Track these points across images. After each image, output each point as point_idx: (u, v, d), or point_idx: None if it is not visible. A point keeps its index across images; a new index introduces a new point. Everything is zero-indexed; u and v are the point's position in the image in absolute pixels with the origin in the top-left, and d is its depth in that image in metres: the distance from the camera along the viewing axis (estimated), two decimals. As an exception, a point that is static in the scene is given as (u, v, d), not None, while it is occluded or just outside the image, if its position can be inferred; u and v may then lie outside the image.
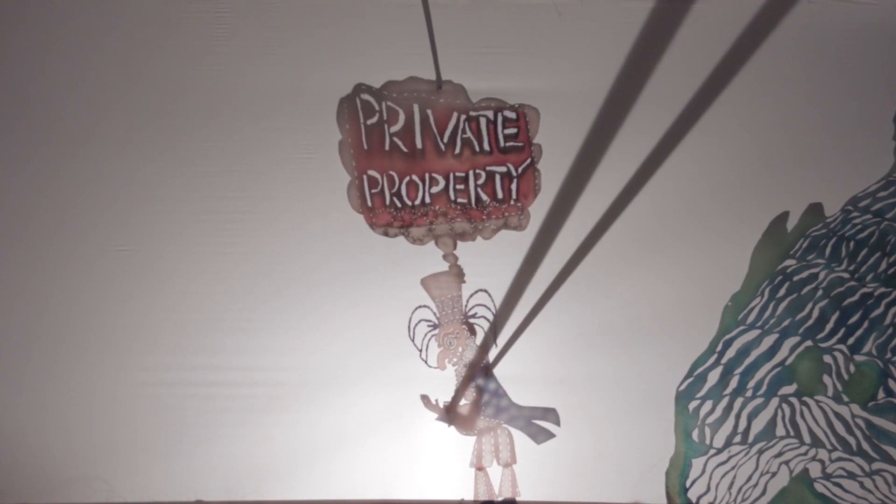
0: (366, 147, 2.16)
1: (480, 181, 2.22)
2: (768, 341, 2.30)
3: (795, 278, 2.26)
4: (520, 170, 2.20)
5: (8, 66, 2.01)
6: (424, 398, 2.40)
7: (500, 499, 2.47)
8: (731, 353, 2.31)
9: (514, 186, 2.22)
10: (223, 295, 2.25)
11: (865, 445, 2.33)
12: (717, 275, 2.24)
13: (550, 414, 2.40)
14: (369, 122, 2.14)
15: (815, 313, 2.27)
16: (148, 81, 2.03)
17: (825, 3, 1.95)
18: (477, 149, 2.19)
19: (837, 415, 2.32)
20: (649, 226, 2.19)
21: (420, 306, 2.31)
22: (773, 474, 2.41)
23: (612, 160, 2.14)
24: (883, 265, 2.24)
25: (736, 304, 2.27)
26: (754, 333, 2.29)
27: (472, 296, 2.33)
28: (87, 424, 2.41)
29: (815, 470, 2.39)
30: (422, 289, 2.29)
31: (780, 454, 2.38)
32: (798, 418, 2.34)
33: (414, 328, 2.33)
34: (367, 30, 2.05)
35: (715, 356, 2.31)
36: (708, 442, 2.38)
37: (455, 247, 2.29)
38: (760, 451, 2.38)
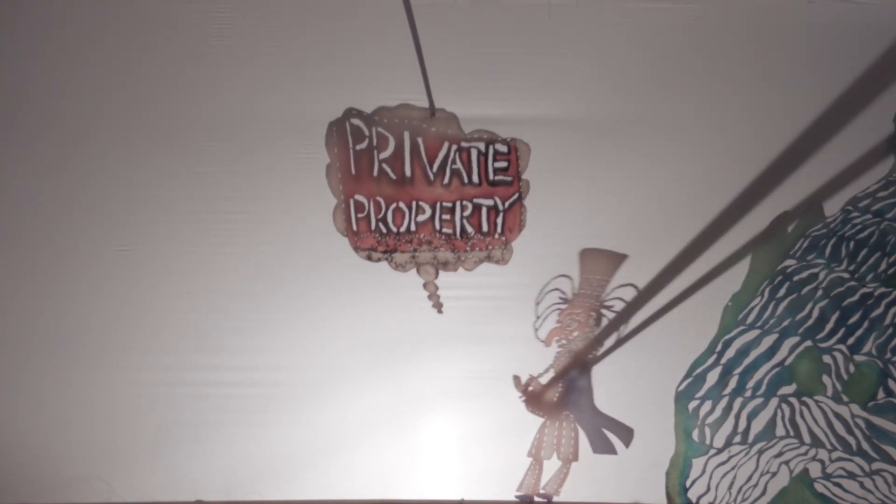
0: (354, 172, 2.16)
1: (467, 213, 2.22)
2: (768, 341, 2.30)
3: (795, 278, 2.26)
4: (507, 204, 2.21)
5: (7, 65, 2.01)
6: (515, 379, 2.36)
7: (541, 492, 2.46)
8: (730, 353, 2.31)
9: (499, 220, 2.23)
10: (222, 295, 2.25)
11: (865, 445, 2.33)
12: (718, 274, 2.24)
13: (625, 432, 2.39)
14: (358, 147, 2.14)
15: (815, 313, 2.27)
16: (147, 81, 2.03)
17: (825, 3, 1.95)
18: (466, 180, 2.18)
19: (837, 415, 2.32)
20: (649, 226, 2.19)
21: (562, 275, 2.27)
22: (774, 474, 2.41)
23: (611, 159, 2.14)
24: (883, 265, 2.24)
25: (736, 304, 2.27)
26: (754, 333, 2.29)
27: (618, 287, 2.29)
28: (87, 424, 2.41)
29: (815, 470, 2.39)
30: (422, 290, 2.28)
31: (780, 454, 2.38)
32: (798, 418, 2.34)
33: (546, 293, 2.29)
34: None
35: (714, 356, 2.31)
36: (708, 442, 2.38)
37: (437, 276, 2.29)
38: (760, 451, 2.38)
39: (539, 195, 2.20)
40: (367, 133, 2.12)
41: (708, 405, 2.36)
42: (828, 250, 2.24)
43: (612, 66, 2.03)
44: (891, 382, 2.29)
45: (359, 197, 2.19)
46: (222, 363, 2.33)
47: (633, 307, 2.29)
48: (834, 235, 2.23)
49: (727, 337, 2.30)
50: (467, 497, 2.52)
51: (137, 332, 2.30)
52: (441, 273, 2.29)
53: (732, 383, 2.34)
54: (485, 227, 2.24)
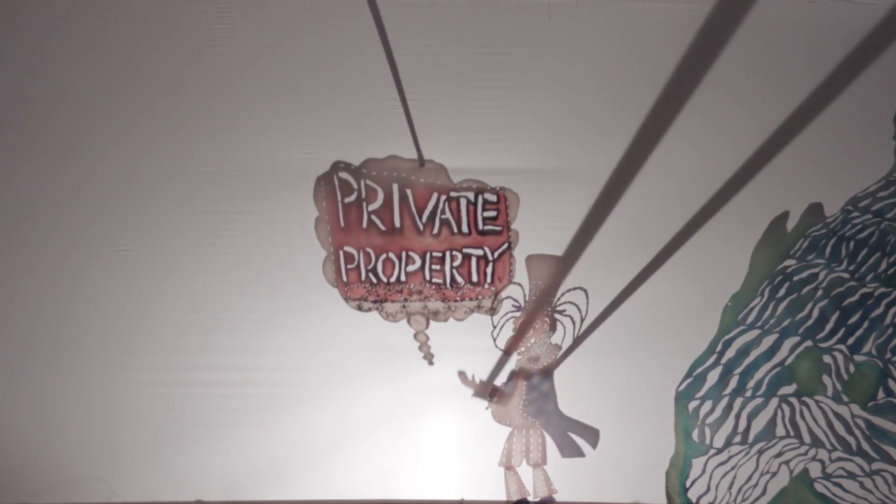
0: (343, 225, 2.17)
1: (456, 262, 2.23)
2: (768, 341, 2.30)
3: (795, 278, 2.26)
4: (496, 254, 2.22)
5: (7, 65, 2.01)
6: (461, 374, 2.36)
7: (536, 499, 2.47)
8: (730, 353, 2.31)
9: (489, 269, 2.24)
10: (222, 295, 2.25)
11: (865, 445, 2.33)
12: (717, 275, 2.24)
13: (590, 433, 2.39)
14: (347, 200, 2.14)
15: (815, 313, 2.27)
16: (147, 81, 2.03)
17: (825, 3, 1.95)
18: (455, 230, 2.19)
19: (837, 415, 2.32)
20: (650, 225, 2.19)
21: (514, 283, 2.27)
22: (774, 474, 2.41)
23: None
24: (883, 265, 2.24)
25: (736, 304, 2.27)
26: (754, 333, 2.29)
27: (568, 291, 2.29)
28: (87, 424, 2.41)
29: (815, 470, 2.39)
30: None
31: (780, 454, 2.38)
32: (798, 418, 2.34)
33: (501, 302, 2.30)
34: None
35: (715, 356, 2.31)
36: (708, 442, 2.38)
37: (427, 325, 2.30)
38: (760, 451, 2.38)
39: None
40: (355, 186, 2.13)
41: (708, 405, 2.36)
42: (828, 250, 2.24)
43: (612, 67, 2.03)
44: (891, 382, 2.29)
45: (348, 248, 2.20)
46: (222, 363, 2.33)
47: (608, 311, 2.29)
48: (834, 235, 2.23)
49: (727, 337, 2.30)
50: (467, 497, 2.52)
51: (137, 332, 2.30)
52: (432, 322, 2.31)
53: (733, 383, 2.34)
54: (475, 277, 2.25)
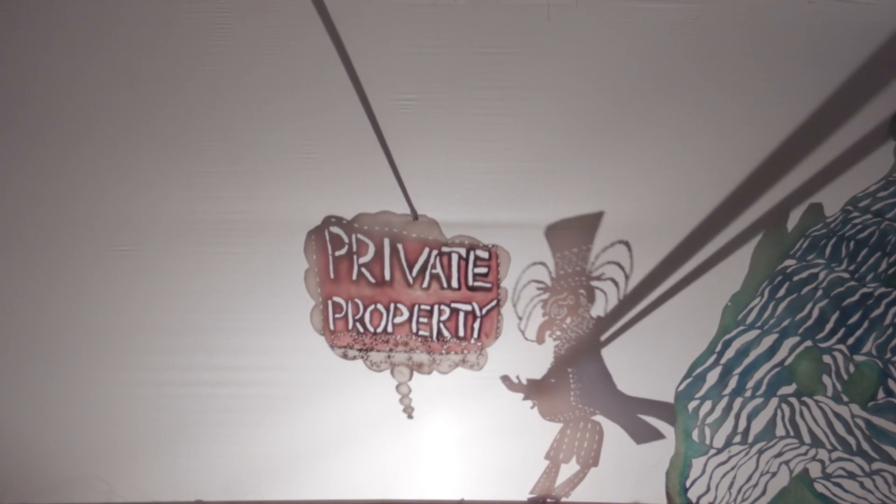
0: (332, 276, 2.19)
1: (444, 317, 2.24)
2: (768, 341, 2.30)
3: (795, 278, 2.26)
4: (484, 310, 2.22)
5: (7, 64, 2.01)
6: (505, 378, 2.27)
7: (553, 495, 2.42)
8: (730, 353, 2.31)
9: (476, 325, 2.25)
10: (223, 295, 2.25)
11: (865, 445, 2.33)
12: (717, 275, 2.24)
13: (665, 410, 2.21)
14: (338, 253, 2.16)
15: (815, 313, 2.27)
16: (148, 81, 2.03)
17: (825, 3, 1.95)
18: (445, 284, 2.20)
19: (837, 415, 2.32)
20: (650, 225, 2.19)
21: (534, 263, 2.13)
22: (773, 474, 2.41)
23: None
24: (883, 265, 2.23)
25: (735, 304, 2.27)
26: (754, 333, 2.29)
27: (605, 250, 2.07)
28: (88, 424, 2.41)
29: (815, 470, 2.39)
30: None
31: (780, 454, 2.39)
32: (798, 418, 2.34)
33: (520, 291, 2.18)
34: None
35: (714, 356, 2.31)
36: (708, 442, 2.38)
37: (411, 377, 2.32)
38: (760, 451, 2.38)
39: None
40: (346, 240, 2.14)
41: (708, 405, 2.36)
42: (828, 250, 2.24)
43: (611, 70, 2.03)
44: (891, 382, 2.29)
45: (337, 298, 2.22)
46: (223, 363, 2.33)
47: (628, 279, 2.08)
48: (834, 235, 2.23)
49: (727, 337, 2.30)
50: (467, 497, 2.52)
51: (138, 332, 2.30)
52: (416, 375, 2.33)
53: (732, 383, 2.34)
54: (461, 332, 2.26)
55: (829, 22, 1.97)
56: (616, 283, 2.11)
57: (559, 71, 2.01)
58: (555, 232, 2.06)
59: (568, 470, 2.42)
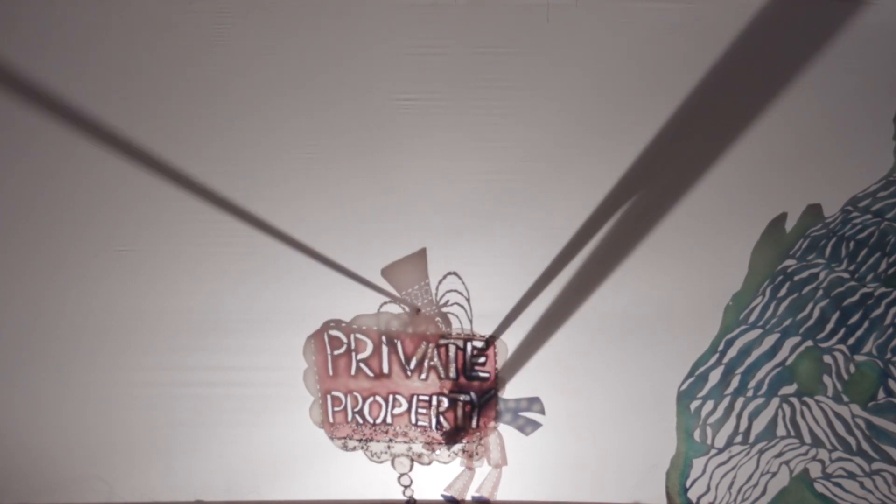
0: (331, 373, 2.23)
1: (443, 407, 2.27)
2: (769, 341, 2.30)
3: (796, 278, 2.26)
4: (483, 399, 2.25)
5: (7, 64, 2.01)
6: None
7: (475, 494, 2.45)
8: (732, 352, 2.31)
9: (475, 415, 2.28)
10: (221, 294, 2.25)
11: (865, 445, 2.33)
12: (719, 274, 2.24)
13: (535, 403, 2.37)
14: (336, 352, 2.20)
15: (816, 313, 2.27)
16: (147, 81, 2.03)
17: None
18: (443, 374, 2.23)
19: (837, 415, 2.32)
20: (651, 225, 2.19)
21: (385, 302, 2.19)
22: (774, 474, 2.41)
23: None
24: (883, 265, 2.23)
25: (737, 304, 2.27)
26: (755, 333, 2.29)
27: (441, 281, 2.19)
28: (87, 424, 2.41)
29: (815, 470, 2.39)
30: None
31: (780, 454, 2.38)
32: (798, 418, 2.34)
33: (383, 331, 2.21)
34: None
35: (716, 356, 2.31)
36: (709, 442, 2.38)
37: (411, 468, 2.35)
38: (761, 451, 2.38)
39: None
40: (345, 340, 2.18)
41: (710, 405, 2.36)
42: (828, 250, 2.24)
43: (610, 72, 2.03)
44: (891, 382, 2.29)
45: (336, 393, 2.26)
46: (222, 363, 2.32)
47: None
48: (834, 235, 2.23)
49: (729, 336, 2.30)
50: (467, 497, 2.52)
51: (136, 331, 2.29)
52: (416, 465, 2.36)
53: (734, 383, 2.34)
54: (460, 422, 2.29)
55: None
56: (463, 307, 2.22)
57: (559, 71, 2.01)
58: (391, 272, 2.16)
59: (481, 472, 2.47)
